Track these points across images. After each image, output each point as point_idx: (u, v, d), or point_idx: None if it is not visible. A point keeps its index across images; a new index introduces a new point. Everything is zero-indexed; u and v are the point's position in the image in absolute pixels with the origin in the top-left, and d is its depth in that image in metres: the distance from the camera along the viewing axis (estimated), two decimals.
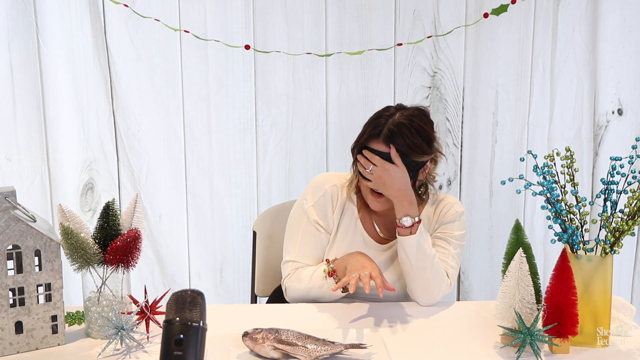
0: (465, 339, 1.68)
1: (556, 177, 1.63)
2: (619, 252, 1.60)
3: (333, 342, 1.57)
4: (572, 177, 1.65)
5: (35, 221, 1.57)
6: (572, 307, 1.55)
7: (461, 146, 2.88)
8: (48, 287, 1.59)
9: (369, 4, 2.71)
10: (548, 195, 1.61)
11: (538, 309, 1.57)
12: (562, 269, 1.55)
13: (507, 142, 2.88)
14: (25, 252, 1.55)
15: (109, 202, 1.67)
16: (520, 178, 1.70)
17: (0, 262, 1.52)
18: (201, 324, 1.16)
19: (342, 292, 1.86)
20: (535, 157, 1.67)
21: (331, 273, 1.89)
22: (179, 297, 1.19)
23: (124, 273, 1.65)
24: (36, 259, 1.57)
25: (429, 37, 2.75)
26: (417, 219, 1.86)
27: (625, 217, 1.60)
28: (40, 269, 1.57)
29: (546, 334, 1.55)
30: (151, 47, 2.65)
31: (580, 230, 1.61)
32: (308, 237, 1.97)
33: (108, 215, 1.65)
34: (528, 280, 1.57)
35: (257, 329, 1.58)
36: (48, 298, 1.59)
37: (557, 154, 1.64)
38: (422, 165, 1.90)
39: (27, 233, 1.54)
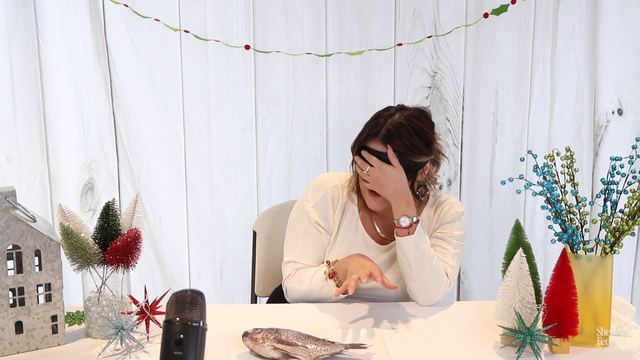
0: (465, 339, 1.68)
1: (556, 177, 1.63)
2: (619, 252, 1.60)
3: (333, 342, 1.57)
4: (572, 177, 1.65)
5: (35, 221, 1.57)
6: (572, 307, 1.55)
7: (461, 146, 2.88)
8: (48, 287, 1.59)
9: (369, 4, 2.71)
10: (548, 195, 1.61)
11: (538, 309, 1.57)
12: (562, 269, 1.55)
13: (507, 142, 2.88)
14: (25, 252, 1.55)
15: (109, 202, 1.67)
16: (520, 178, 1.70)
17: (0, 262, 1.52)
18: (201, 324, 1.16)
19: (342, 294, 1.86)
20: (535, 157, 1.67)
21: (332, 275, 1.89)
22: (179, 297, 1.19)
23: (124, 273, 1.65)
24: (36, 259, 1.57)
25: (429, 37, 2.76)
26: (415, 219, 1.86)
27: (625, 217, 1.60)
28: (40, 269, 1.57)
29: (546, 334, 1.55)
30: (151, 47, 2.65)
31: (580, 230, 1.61)
32: (309, 237, 1.97)
33: (108, 215, 1.65)
34: (528, 280, 1.57)
35: (257, 329, 1.58)
36: (48, 298, 1.59)
37: (557, 154, 1.64)
38: (420, 166, 1.90)
39: (27, 233, 1.54)
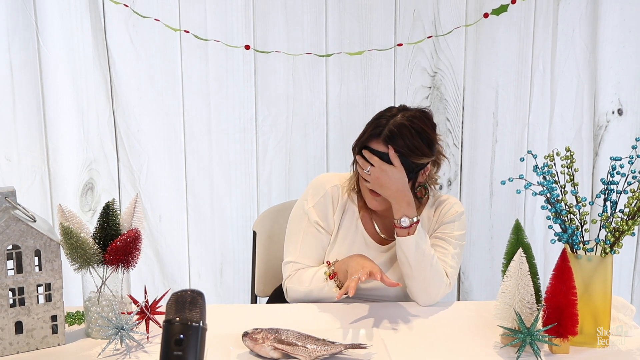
0: (465, 339, 1.68)
1: (556, 177, 1.63)
2: (619, 252, 1.60)
3: (333, 342, 1.57)
4: (572, 177, 1.65)
5: (35, 221, 1.57)
6: (572, 307, 1.55)
7: (461, 146, 2.88)
8: (48, 287, 1.59)
9: (369, 4, 2.71)
10: (548, 195, 1.61)
11: (538, 309, 1.57)
12: (562, 269, 1.55)
13: (507, 142, 2.88)
14: (25, 252, 1.55)
15: (109, 202, 1.67)
16: (520, 178, 1.70)
17: (0, 262, 1.52)
18: (201, 324, 1.16)
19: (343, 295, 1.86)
20: (535, 157, 1.67)
21: (332, 275, 1.89)
22: (179, 297, 1.19)
23: (124, 273, 1.65)
24: (36, 259, 1.57)
25: (429, 37, 2.75)
26: (415, 220, 1.86)
27: (625, 217, 1.60)
28: (40, 269, 1.57)
29: (546, 334, 1.55)
30: (151, 47, 2.65)
31: (580, 230, 1.61)
32: (309, 238, 1.97)
33: (108, 215, 1.65)
34: (528, 280, 1.57)
35: (257, 329, 1.58)
36: (48, 298, 1.59)
37: (557, 154, 1.64)
38: (422, 167, 1.90)
39: (27, 233, 1.54)
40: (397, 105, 1.96)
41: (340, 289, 1.86)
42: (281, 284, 2.01)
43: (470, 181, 2.91)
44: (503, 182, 1.68)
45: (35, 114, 2.60)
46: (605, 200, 1.63)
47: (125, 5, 2.58)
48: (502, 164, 2.89)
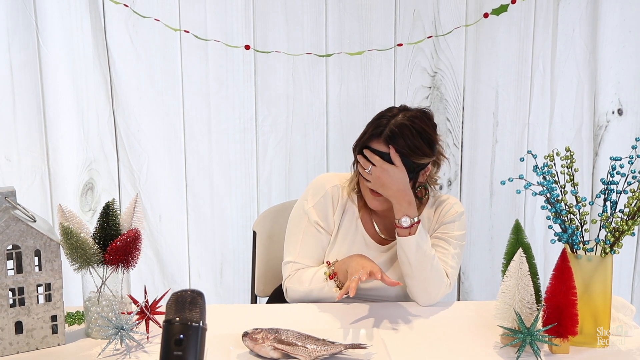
0: (465, 339, 1.68)
1: (556, 177, 1.63)
2: (619, 252, 1.60)
3: (333, 342, 1.57)
4: (572, 177, 1.65)
5: (35, 221, 1.57)
6: (572, 307, 1.55)
7: (461, 146, 2.88)
8: (48, 287, 1.59)
9: (369, 4, 2.71)
10: (548, 195, 1.61)
11: (538, 309, 1.57)
12: (562, 269, 1.55)
13: (507, 142, 2.88)
14: (25, 252, 1.55)
15: (109, 202, 1.67)
16: (520, 178, 1.70)
17: (0, 262, 1.52)
18: (201, 324, 1.16)
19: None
20: (535, 157, 1.67)
21: (332, 275, 1.89)
22: (178, 297, 1.19)
23: (124, 273, 1.65)
24: (36, 259, 1.57)
25: (429, 37, 2.75)
26: (416, 220, 1.86)
27: (625, 217, 1.60)
28: (40, 269, 1.57)
29: (546, 334, 1.54)
30: (151, 47, 2.65)
31: (580, 230, 1.61)
32: (308, 238, 1.97)
33: (108, 215, 1.65)
34: (528, 280, 1.57)
35: (257, 329, 1.58)
36: (48, 298, 1.59)
37: (557, 154, 1.64)
38: (422, 167, 1.90)
39: (27, 233, 1.54)
40: (397, 105, 1.96)
41: (340, 289, 1.86)
42: (281, 284, 2.01)
43: (470, 181, 2.91)
44: (503, 182, 1.68)
45: (35, 114, 2.60)
46: (605, 200, 1.63)
47: (125, 5, 2.58)
48: (502, 164, 2.89)
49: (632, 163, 1.61)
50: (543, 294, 1.60)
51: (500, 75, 2.82)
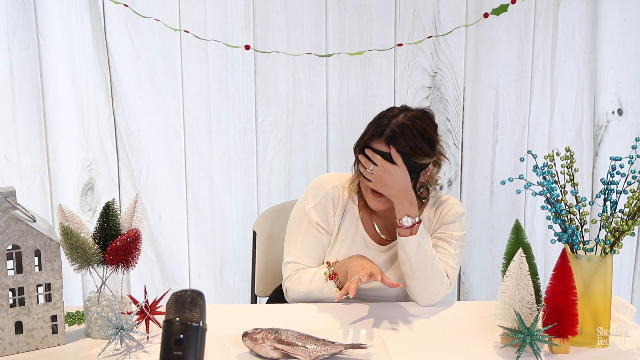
0: (465, 339, 1.68)
1: (556, 177, 1.63)
2: (619, 252, 1.60)
3: (333, 342, 1.57)
4: (572, 177, 1.65)
5: (35, 221, 1.57)
6: (572, 307, 1.55)
7: (462, 146, 2.88)
8: (48, 287, 1.59)
9: (369, 4, 2.71)
10: (548, 195, 1.61)
11: (538, 309, 1.57)
12: (562, 269, 1.55)
13: (507, 143, 2.88)
14: (25, 252, 1.55)
15: (109, 202, 1.67)
16: (520, 178, 1.70)
17: (0, 262, 1.52)
18: (201, 324, 1.16)
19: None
20: (535, 157, 1.67)
21: (332, 276, 1.89)
22: (178, 297, 1.19)
23: (124, 273, 1.65)
24: (36, 259, 1.57)
25: (429, 37, 2.75)
26: (417, 219, 1.86)
27: (625, 217, 1.60)
28: (40, 269, 1.57)
29: (546, 334, 1.54)
30: (151, 47, 2.65)
31: (580, 230, 1.61)
32: (309, 238, 1.97)
33: (108, 215, 1.65)
34: (528, 280, 1.57)
35: (257, 329, 1.58)
36: (48, 298, 1.59)
37: (557, 154, 1.64)
38: (423, 167, 1.90)
39: (27, 233, 1.54)
40: (398, 105, 1.96)
41: (340, 289, 1.86)
42: (281, 284, 2.01)
43: (471, 181, 2.91)
44: (503, 182, 1.68)
45: (35, 114, 2.60)
46: (605, 200, 1.63)
47: (125, 5, 2.58)
48: (503, 164, 2.89)
49: (632, 163, 1.61)
50: (543, 294, 1.60)
51: (501, 75, 2.82)
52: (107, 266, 1.62)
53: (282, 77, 2.73)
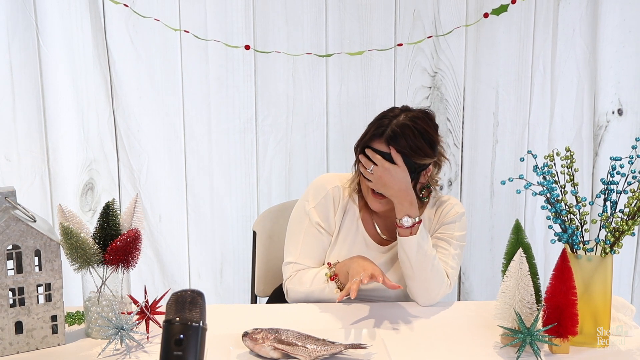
0: (465, 339, 1.68)
1: (556, 177, 1.63)
2: (619, 252, 1.60)
3: (333, 342, 1.57)
4: (572, 177, 1.65)
5: (35, 221, 1.57)
6: (572, 307, 1.55)
7: (462, 146, 2.88)
8: (48, 287, 1.59)
9: (369, 4, 2.71)
10: (548, 195, 1.61)
11: (538, 309, 1.57)
12: (562, 269, 1.55)
13: (507, 143, 2.88)
14: (25, 252, 1.55)
15: (109, 202, 1.67)
16: (520, 178, 1.70)
17: (0, 262, 1.52)
18: (201, 324, 1.16)
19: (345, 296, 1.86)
20: (535, 157, 1.67)
21: (333, 277, 1.89)
22: (179, 297, 1.19)
23: (124, 273, 1.65)
24: (36, 259, 1.57)
25: (429, 37, 2.75)
26: (417, 219, 1.86)
27: (625, 217, 1.60)
28: (40, 269, 1.57)
29: (546, 334, 1.54)
30: (151, 47, 2.65)
31: (580, 230, 1.61)
32: (309, 238, 1.97)
33: (108, 215, 1.65)
34: (528, 280, 1.57)
35: (257, 329, 1.58)
36: (48, 298, 1.59)
37: (557, 154, 1.64)
38: (424, 167, 1.90)
39: (27, 233, 1.54)
40: (398, 105, 1.96)
41: (341, 290, 1.86)
42: (281, 284, 2.01)
43: (471, 181, 2.91)
44: (503, 182, 1.68)
45: (35, 114, 2.60)
46: (605, 200, 1.63)
47: (125, 5, 2.58)
48: (503, 164, 2.89)
49: (632, 163, 1.61)
50: (543, 294, 1.60)
51: (501, 75, 2.82)
52: (107, 266, 1.62)
53: (282, 77, 2.73)
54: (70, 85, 2.62)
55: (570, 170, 1.65)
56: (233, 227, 2.82)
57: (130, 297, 1.67)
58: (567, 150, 1.65)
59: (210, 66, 2.69)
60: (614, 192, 1.63)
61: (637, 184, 1.60)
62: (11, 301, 1.55)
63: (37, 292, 1.58)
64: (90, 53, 2.61)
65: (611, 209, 1.62)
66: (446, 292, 1.91)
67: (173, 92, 2.69)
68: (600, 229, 1.63)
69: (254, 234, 2.28)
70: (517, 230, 1.68)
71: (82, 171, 2.69)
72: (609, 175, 1.63)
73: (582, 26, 2.81)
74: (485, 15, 2.75)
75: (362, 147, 1.90)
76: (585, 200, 1.62)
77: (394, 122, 1.85)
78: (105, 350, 1.57)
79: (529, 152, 1.74)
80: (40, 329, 1.59)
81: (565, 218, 1.62)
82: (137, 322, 1.60)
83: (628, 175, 1.61)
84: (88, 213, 2.71)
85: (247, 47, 2.68)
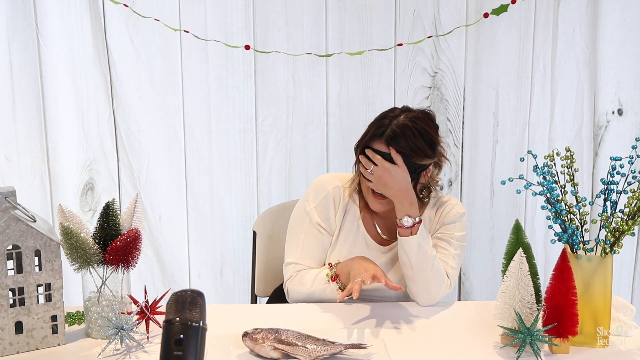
0: (465, 339, 1.68)
1: (556, 177, 1.63)
2: (619, 252, 1.60)
3: (333, 342, 1.57)
4: (572, 177, 1.65)
5: (35, 221, 1.57)
6: (572, 307, 1.55)
7: (462, 146, 2.88)
8: (48, 287, 1.59)
9: (369, 4, 2.71)
10: (548, 195, 1.61)
11: (538, 309, 1.57)
12: (562, 269, 1.55)
13: (507, 143, 2.88)
14: (25, 252, 1.55)
15: (109, 202, 1.67)
16: (520, 178, 1.70)
17: (0, 262, 1.52)
18: (201, 324, 1.16)
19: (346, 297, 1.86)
20: (535, 157, 1.67)
21: (334, 277, 1.89)
22: (179, 297, 1.19)
23: (124, 273, 1.65)
24: (36, 259, 1.57)
25: (429, 37, 2.75)
26: (417, 219, 1.86)
27: (625, 217, 1.60)
28: (40, 269, 1.57)
29: (546, 334, 1.54)
30: (151, 47, 2.65)
31: (580, 230, 1.61)
32: (310, 239, 1.97)
33: (108, 215, 1.65)
34: (528, 280, 1.57)
35: (257, 329, 1.58)
36: (48, 298, 1.59)
37: (557, 154, 1.64)
38: (424, 168, 1.90)
39: (27, 233, 1.54)
40: (399, 105, 1.96)
41: (342, 291, 1.86)
42: (281, 284, 2.01)
43: (471, 181, 2.91)
44: (503, 182, 1.68)
45: (35, 114, 2.60)
46: (605, 200, 1.63)
47: (125, 5, 2.58)
48: (503, 164, 2.89)
49: (632, 163, 1.61)
50: (543, 294, 1.60)
51: (501, 75, 2.82)
52: (107, 266, 1.62)
53: (282, 77, 2.73)
54: (70, 85, 2.62)
55: (570, 170, 1.65)
56: (233, 227, 2.82)
57: (130, 297, 1.67)
58: (567, 150, 1.65)
59: (210, 66, 2.69)
60: (614, 192, 1.63)
61: (637, 184, 1.60)
62: (11, 301, 1.55)
63: (37, 292, 1.58)
64: (90, 53, 2.61)
65: (611, 209, 1.62)
66: (446, 292, 1.91)
67: (173, 92, 2.69)
68: (600, 229, 1.63)
69: (254, 234, 2.28)
70: (517, 230, 1.68)
71: (82, 171, 2.69)
72: (609, 175, 1.63)
73: (582, 26, 2.81)
74: (485, 15, 2.75)
75: (362, 147, 1.90)
76: (585, 200, 1.62)
77: (394, 122, 1.85)
78: (105, 350, 1.57)
79: (529, 152, 1.74)
80: (40, 329, 1.59)
81: (565, 218, 1.62)
82: (137, 322, 1.60)
83: (628, 175, 1.61)
84: (88, 213, 2.71)
85: (247, 47, 2.68)
